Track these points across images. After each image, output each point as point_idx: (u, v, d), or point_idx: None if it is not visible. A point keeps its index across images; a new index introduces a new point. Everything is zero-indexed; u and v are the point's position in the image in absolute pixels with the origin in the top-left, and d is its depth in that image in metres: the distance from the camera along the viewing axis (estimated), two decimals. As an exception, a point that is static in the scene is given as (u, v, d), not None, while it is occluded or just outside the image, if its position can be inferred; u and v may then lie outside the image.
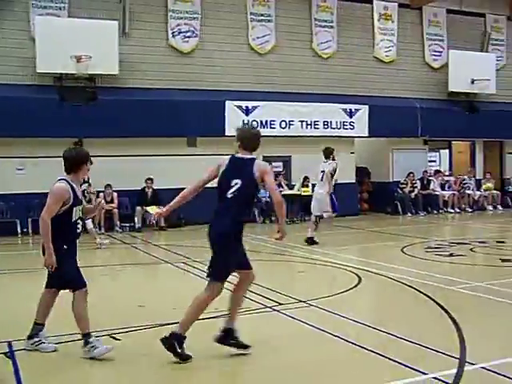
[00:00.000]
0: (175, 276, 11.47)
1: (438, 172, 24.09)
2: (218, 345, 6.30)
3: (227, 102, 19.58)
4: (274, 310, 8.18)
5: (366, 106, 21.49)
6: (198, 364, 6.05)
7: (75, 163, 6.50)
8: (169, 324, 7.31)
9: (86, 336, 6.28)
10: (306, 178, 20.48)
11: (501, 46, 25.15)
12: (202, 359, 6.17)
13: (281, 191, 19.87)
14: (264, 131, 19.83)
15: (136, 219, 18.38)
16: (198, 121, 18.80)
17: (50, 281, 6.53)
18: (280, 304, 8.42)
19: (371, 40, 22.51)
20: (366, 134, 21.70)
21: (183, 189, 6.57)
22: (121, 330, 7.15)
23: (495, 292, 9.07)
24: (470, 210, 23.50)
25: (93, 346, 6.20)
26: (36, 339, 6.47)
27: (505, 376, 5.47)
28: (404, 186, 22.47)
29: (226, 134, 19.38)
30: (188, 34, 19.65)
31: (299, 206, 20.42)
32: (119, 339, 6.87)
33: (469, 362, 5.81)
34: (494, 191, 24.27)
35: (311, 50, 21.47)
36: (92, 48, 17.26)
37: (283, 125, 20.30)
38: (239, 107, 19.73)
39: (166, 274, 12.15)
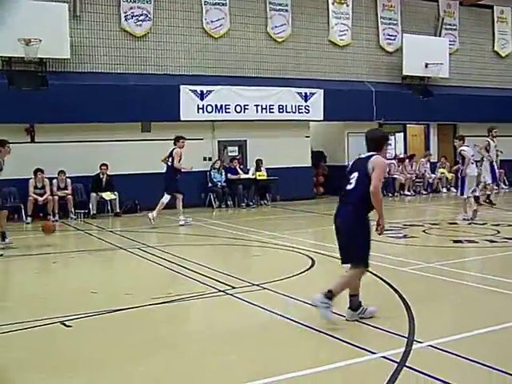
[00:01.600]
0: (129, 262, 11.38)
1: (401, 161, 24.22)
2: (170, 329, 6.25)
3: (181, 87, 19.41)
4: (227, 293, 8.17)
5: (321, 90, 21.51)
6: (150, 347, 6.02)
7: (380, 143, 7.02)
8: (121, 309, 7.28)
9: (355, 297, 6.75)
10: (259, 162, 20.48)
11: (453, 30, 25.39)
12: (150, 342, 6.14)
13: (238, 175, 19.95)
14: (219, 116, 19.89)
15: (91, 205, 18.14)
16: (152, 105, 18.61)
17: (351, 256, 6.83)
18: (233, 288, 8.41)
19: (326, 24, 22.50)
20: (321, 118, 21.76)
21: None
22: (72, 317, 7.05)
23: (446, 272, 9.19)
24: (425, 193, 23.82)
25: (363, 308, 6.73)
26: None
27: (450, 353, 5.57)
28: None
29: (181, 118, 19.28)
30: (141, 17, 19.38)
31: (254, 191, 20.41)
32: (70, 326, 6.78)
33: (417, 341, 5.88)
34: (448, 174, 24.59)
35: (266, 34, 21.38)
36: (42, 31, 16.80)
37: (238, 109, 20.20)
38: (194, 92, 19.57)
39: (120, 260, 12.04)
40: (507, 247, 11.60)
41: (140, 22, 19.37)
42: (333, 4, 22.51)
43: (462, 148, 15.63)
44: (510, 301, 7.59)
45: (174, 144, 15.79)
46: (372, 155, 6.80)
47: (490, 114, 24.18)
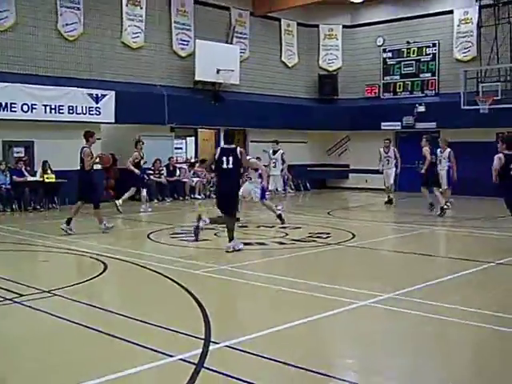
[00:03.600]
0: None
1: (192, 165, 24.40)
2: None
3: (-40, 82, 18.13)
4: (15, 301, 7.73)
5: (113, 92, 21.13)
6: None
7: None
8: None
9: None
10: (45, 163, 19.62)
11: (244, 39, 26.19)
12: None
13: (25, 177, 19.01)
14: (4, 114, 18.79)
15: None
16: None
17: None
18: (21, 295, 7.98)
19: (119, 25, 22.15)
20: (113, 121, 21.36)
21: None
22: None
23: (238, 274, 9.42)
24: (215, 197, 24.17)
25: None
26: None
27: (245, 351, 5.72)
28: (151, 172, 22.54)
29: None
30: None
31: (42, 193, 19.58)
32: None
33: (213, 342, 5.95)
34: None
35: (56, 31, 20.54)
36: None
37: (25, 108, 19.16)
38: (-24, 87, 18.38)
39: None
40: (294, 248, 12.13)
41: None
42: (126, 5, 22.23)
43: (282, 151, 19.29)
44: (299, 299, 7.90)
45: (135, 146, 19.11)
46: None
47: (277, 121, 25.28)
